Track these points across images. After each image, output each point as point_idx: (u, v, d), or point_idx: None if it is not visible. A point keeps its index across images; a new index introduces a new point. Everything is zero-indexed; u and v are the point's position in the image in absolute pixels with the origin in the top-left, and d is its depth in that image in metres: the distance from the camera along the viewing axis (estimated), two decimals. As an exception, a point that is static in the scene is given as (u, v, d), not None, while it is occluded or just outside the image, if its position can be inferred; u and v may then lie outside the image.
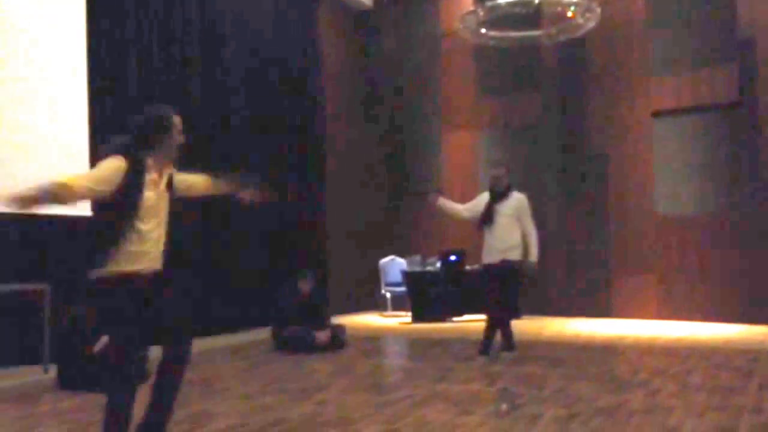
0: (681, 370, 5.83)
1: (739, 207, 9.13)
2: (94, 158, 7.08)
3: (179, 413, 4.42)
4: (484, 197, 6.65)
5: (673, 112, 9.64)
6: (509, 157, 10.54)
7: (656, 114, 9.73)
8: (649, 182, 9.77)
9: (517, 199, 6.53)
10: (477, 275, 9.82)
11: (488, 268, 6.53)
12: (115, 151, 3.22)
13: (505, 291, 6.53)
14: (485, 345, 6.55)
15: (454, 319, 9.99)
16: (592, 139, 10.21)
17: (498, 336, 6.60)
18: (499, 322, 6.58)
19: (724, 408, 4.41)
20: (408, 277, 10.21)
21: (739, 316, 8.90)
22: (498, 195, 6.52)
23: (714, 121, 9.40)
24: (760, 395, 4.78)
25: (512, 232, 6.46)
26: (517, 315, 6.86)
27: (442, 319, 9.89)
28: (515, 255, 6.46)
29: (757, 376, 5.47)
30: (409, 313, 10.10)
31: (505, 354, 6.56)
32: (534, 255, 6.47)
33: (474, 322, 9.72)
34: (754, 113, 9.05)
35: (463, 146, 11.28)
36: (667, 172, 9.64)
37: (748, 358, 6.39)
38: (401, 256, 10.95)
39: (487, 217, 6.48)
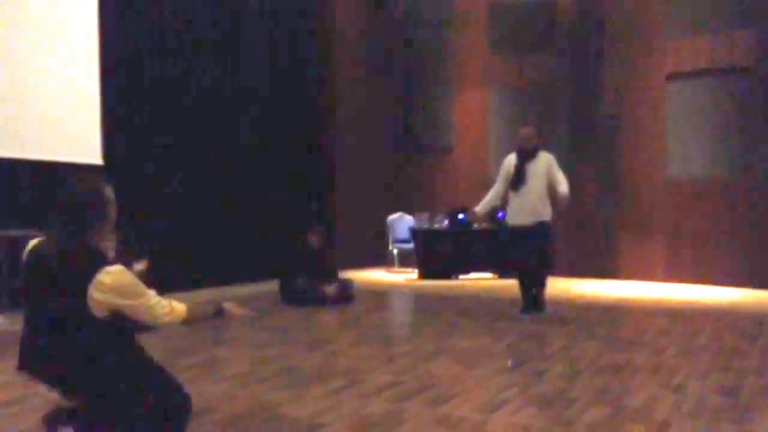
0: (686, 331, 5.87)
1: (750, 171, 9.07)
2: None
3: (190, 360, 4.51)
4: (511, 159, 6.53)
5: (687, 75, 9.51)
6: (520, 115, 10.46)
7: (671, 76, 9.61)
8: (661, 145, 9.69)
9: (546, 157, 6.43)
10: (490, 234, 9.88)
11: (517, 229, 6.43)
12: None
13: (535, 253, 6.41)
14: (525, 303, 6.56)
15: (461, 276, 10.05)
16: (605, 100, 10.10)
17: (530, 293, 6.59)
18: (532, 282, 6.54)
19: (729, 369, 4.45)
20: (416, 234, 10.24)
21: (746, 281, 8.93)
22: (527, 154, 6.40)
23: (729, 84, 9.27)
24: (764, 358, 4.81)
25: (543, 194, 6.39)
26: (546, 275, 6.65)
27: (449, 277, 9.95)
28: (546, 215, 6.41)
29: (762, 340, 5.50)
30: (416, 270, 10.16)
31: (523, 315, 6.51)
32: (565, 191, 6.29)
33: (480, 281, 9.80)
34: (771, 77, 8.93)
35: (474, 104, 11.19)
36: (679, 134, 9.55)
37: (754, 321, 6.42)
38: (409, 213, 10.97)
39: (519, 179, 6.36)
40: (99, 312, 2.51)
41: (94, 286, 2.45)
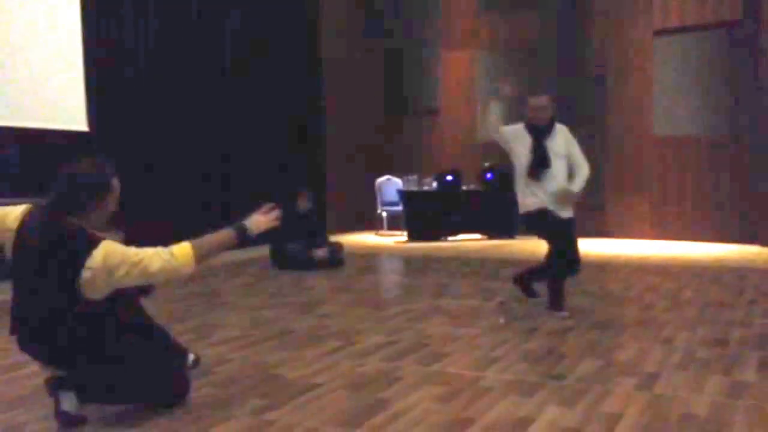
0: (674, 286, 5.96)
1: (737, 128, 9.12)
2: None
3: (184, 325, 4.53)
4: (516, 130, 5.15)
5: (675, 31, 9.49)
6: (507, 75, 10.41)
7: (658, 33, 9.58)
8: (648, 102, 9.71)
9: (563, 131, 5.18)
10: (480, 196, 9.86)
11: (548, 214, 5.01)
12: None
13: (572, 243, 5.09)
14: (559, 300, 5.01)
15: (450, 238, 10.10)
16: (592, 58, 10.07)
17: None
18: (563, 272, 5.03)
19: (716, 322, 4.53)
20: (404, 196, 10.25)
21: (730, 236, 9.04)
22: (542, 131, 5.08)
23: (716, 40, 9.26)
24: (749, 310, 4.91)
25: (567, 178, 5.14)
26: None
27: (438, 239, 10.00)
28: (571, 208, 5.23)
29: (747, 293, 5.60)
30: (405, 233, 10.20)
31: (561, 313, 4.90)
32: (578, 185, 5.14)
33: (469, 242, 9.86)
34: (756, 33, 8.92)
35: (461, 65, 11.12)
36: (666, 92, 9.57)
37: (738, 275, 6.53)
38: (398, 175, 10.96)
39: (541, 162, 5.01)
40: (94, 294, 2.51)
41: (85, 271, 2.46)
